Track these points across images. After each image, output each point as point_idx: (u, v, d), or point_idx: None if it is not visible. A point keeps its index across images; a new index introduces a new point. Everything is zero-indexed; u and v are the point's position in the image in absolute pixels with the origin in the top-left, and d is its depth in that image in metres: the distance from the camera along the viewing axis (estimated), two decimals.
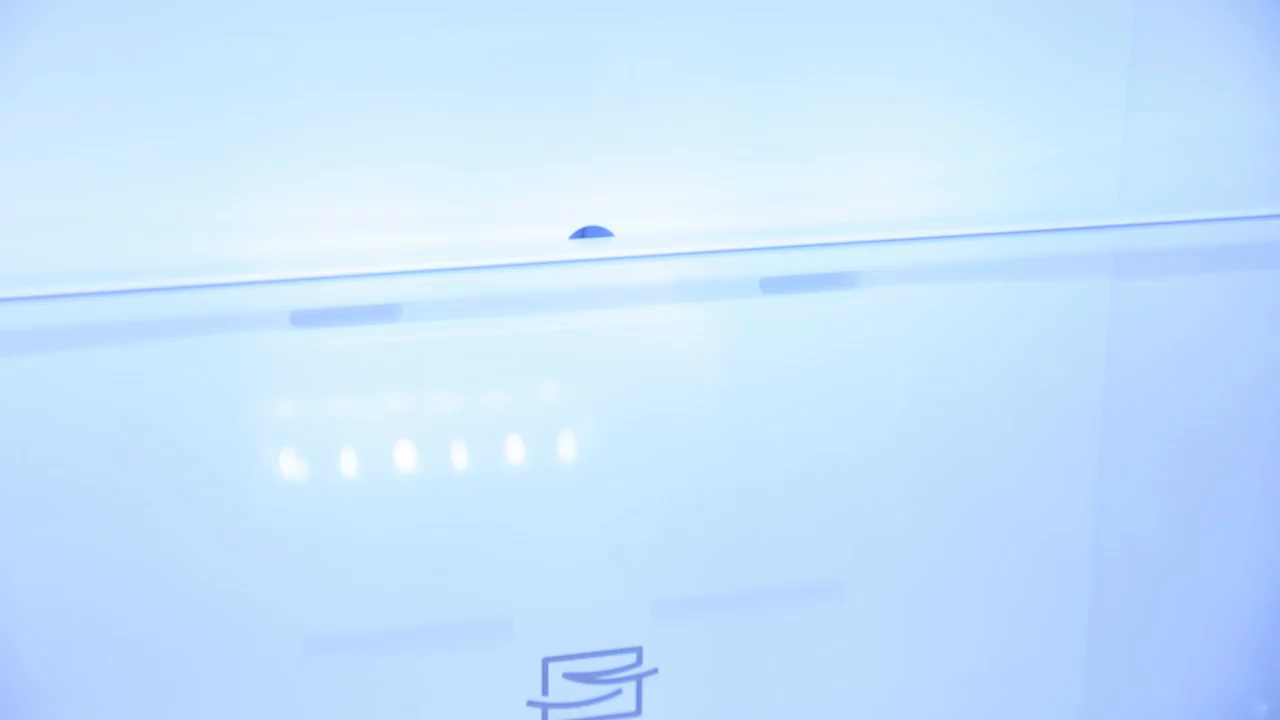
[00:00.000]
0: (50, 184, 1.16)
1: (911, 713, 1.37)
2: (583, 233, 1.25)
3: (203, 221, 1.18)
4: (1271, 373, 1.37)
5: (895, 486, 1.33)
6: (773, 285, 1.28)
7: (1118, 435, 1.36)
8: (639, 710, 1.32)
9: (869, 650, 1.36)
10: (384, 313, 1.21)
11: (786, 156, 1.28)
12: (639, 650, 1.31)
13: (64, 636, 1.20)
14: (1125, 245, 1.32)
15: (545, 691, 1.30)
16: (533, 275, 1.23)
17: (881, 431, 1.32)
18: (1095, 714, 1.37)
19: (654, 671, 1.31)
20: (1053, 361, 1.33)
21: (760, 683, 1.34)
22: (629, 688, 1.32)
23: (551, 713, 1.30)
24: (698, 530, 1.30)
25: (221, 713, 1.23)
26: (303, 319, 1.20)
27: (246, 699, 1.23)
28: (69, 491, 1.18)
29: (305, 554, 1.24)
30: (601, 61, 1.24)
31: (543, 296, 1.24)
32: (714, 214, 1.26)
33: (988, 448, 1.34)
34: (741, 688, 1.34)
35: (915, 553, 1.35)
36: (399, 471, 1.24)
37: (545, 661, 1.29)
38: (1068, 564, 1.37)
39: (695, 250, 1.24)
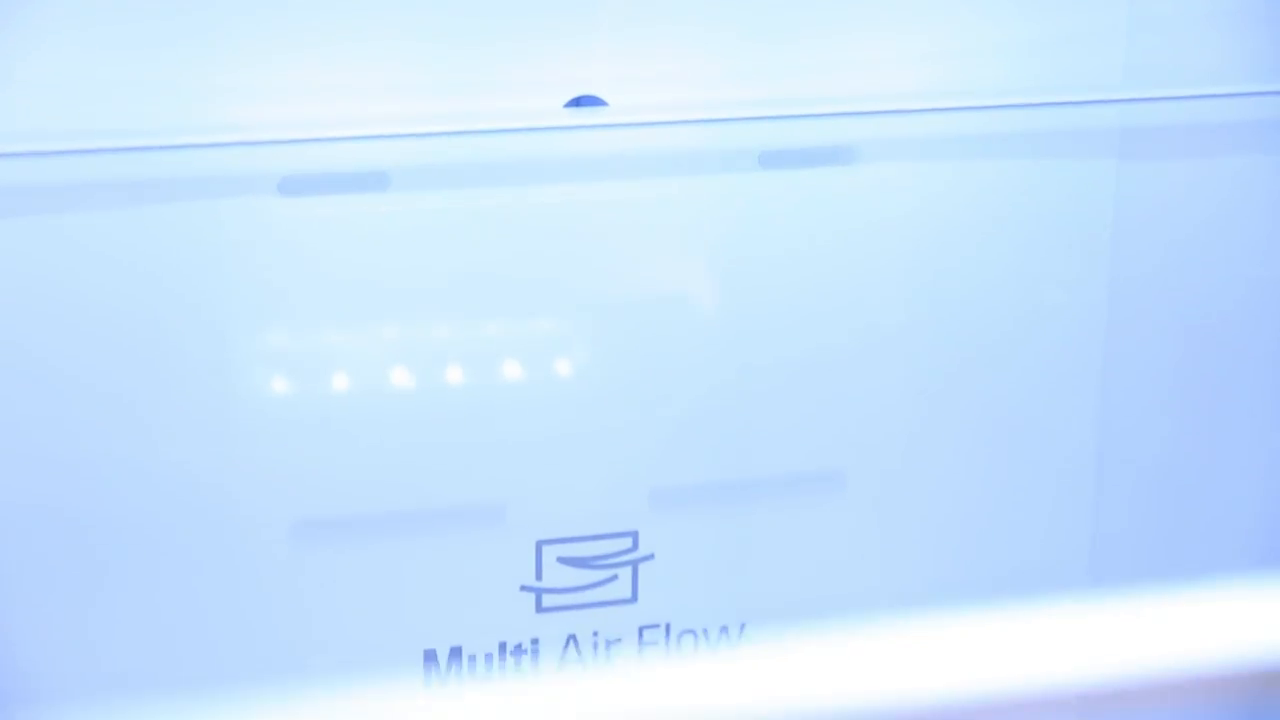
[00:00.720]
0: (32, 45, 1.13)
1: (909, 603, 1.35)
2: (577, 102, 1.22)
3: (190, 85, 1.15)
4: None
5: (894, 371, 1.30)
6: (771, 160, 1.26)
7: (1123, 318, 1.33)
8: (634, 597, 1.30)
9: (867, 540, 1.34)
10: (374, 180, 1.18)
11: (786, 29, 1.25)
12: (635, 535, 1.29)
13: (39, 523, 1.18)
14: (1131, 122, 1.30)
15: (539, 576, 1.28)
16: (525, 143, 1.20)
17: (880, 314, 1.29)
18: (1098, 600, 1.35)
19: (650, 558, 1.29)
20: (1057, 244, 1.31)
21: (757, 570, 1.32)
22: (624, 573, 1.29)
23: (545, 597, 1.28)
24: (694, 414, 1.28)
25: (208, 599, 1.20)
26: (291, 186, 1.17)
27: (234, 585, 1.20)
28: (39, 365, 1.16)
29: (292, 435, 1.21)
30: None
31: (535, 166, 1.21)
32: (711, 87, 1.23)
33: (989, 331, 1.31)
34: (738, 575, 1.32)
35: (915, 440, 1.33)
36: (390, 349, 1.22)
37: (539, 545, 1.27)
38: (1071, 451, 1.35)
39: (691, 119, 1.22)
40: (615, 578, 1.29)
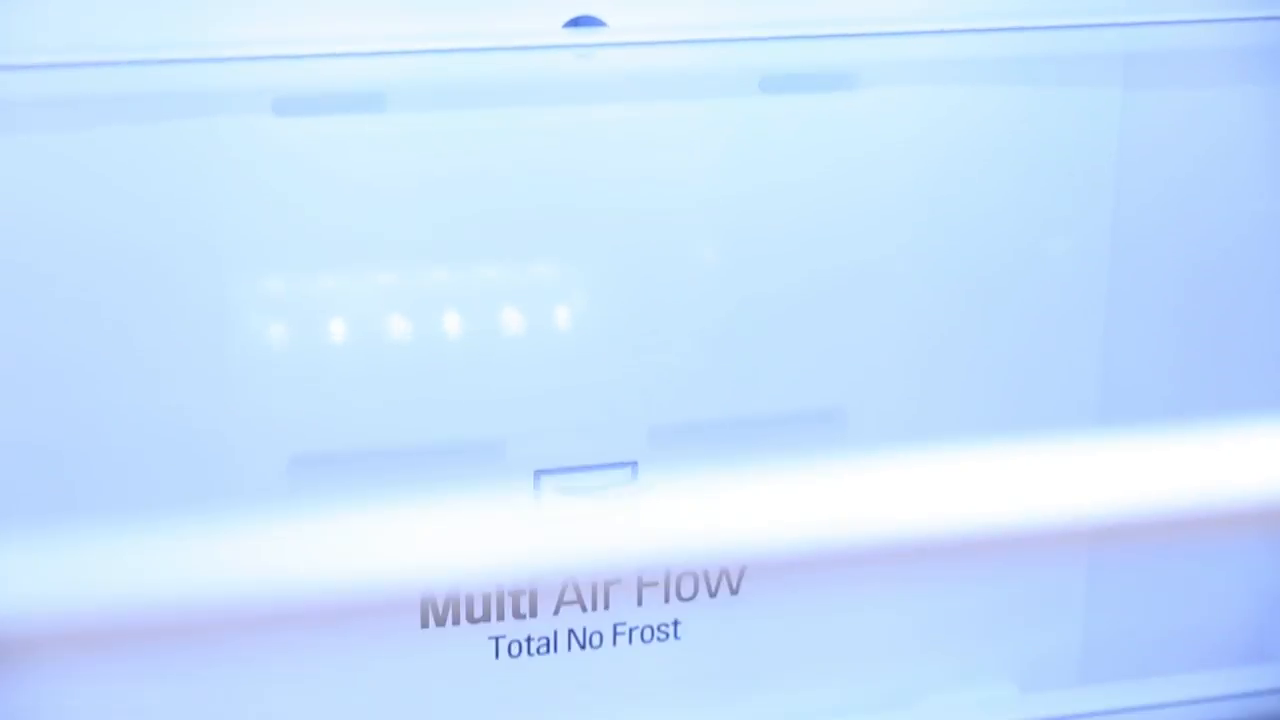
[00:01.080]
0: None
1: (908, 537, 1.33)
2: (575, 22, 1.20)
3: (183, 1, 1.12)
4: None
5: (896, 302, 1.28)
6: (772, 84, 1.23)
7: (1128, 249, 1.31)
8: None
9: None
10: (370, 101, 1.15)
11: None
12: (633, 465, 1.26)
13: (26, 457, 1.14)
14: (1136, 48, 1.28)
15: None
16: (522, 63, 1.17)
17: (882, 243, 1.27)
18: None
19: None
20: (1060, 171, 1.29)
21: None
22: None
23: None
24: (693, 343, 1.25)
25: (199, 528, 1.17)
26: (285, 106, 1.14)
27: (227, 514, 1.17)
28: (23, 285, 1.12)
29: (287, 363, 1.18)
30: None
31: (532, 87, 1.19)
32: (712, 8, 1.21)
33: (992, 260, 1.29)
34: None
35: (917, 376, 1.30)
36: (385, 275, 1.18)
37: (537, 474, 1.24)
38: (1075, 385, 1.33)
39: (691, 39, 1.19)
40: None
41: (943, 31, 1.22)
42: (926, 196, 1.27)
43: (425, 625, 1.24)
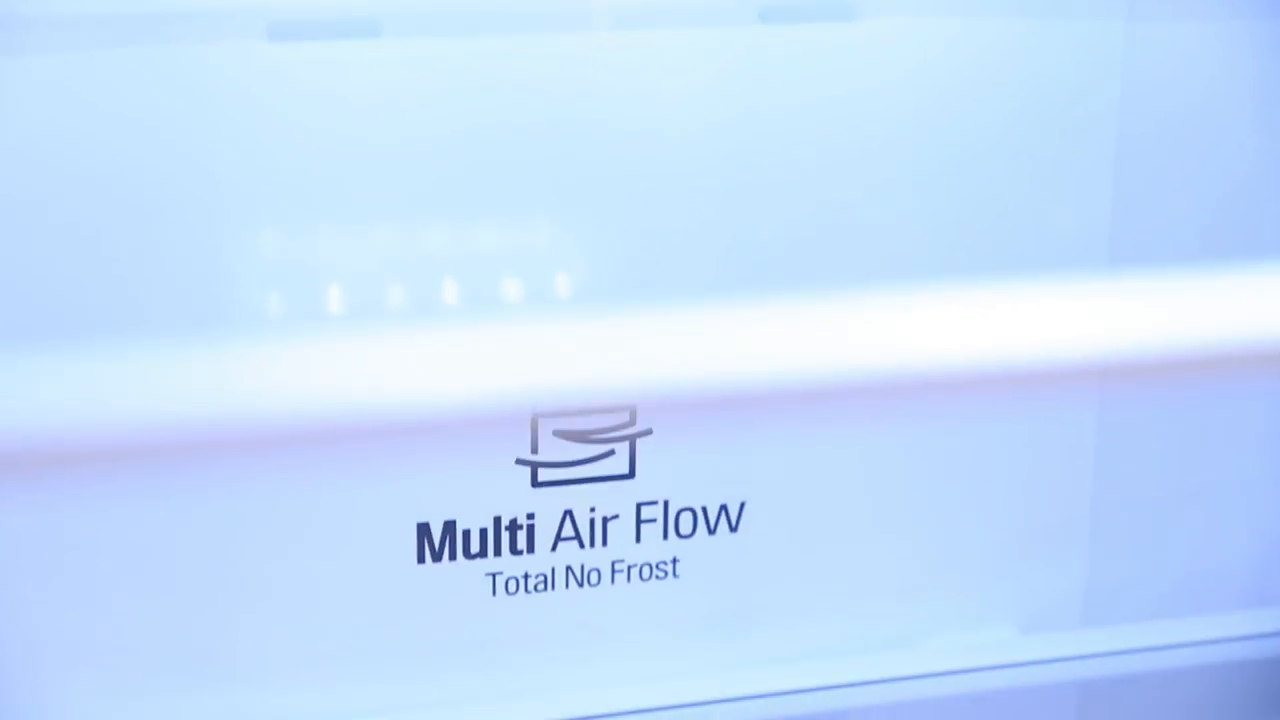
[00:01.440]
0: None
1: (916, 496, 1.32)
2: None
3: None
4: None
5: (895, 237, 1.27)
6: (771, 14, 1.22)
7: (1130, 188, 1.30)
8: (632, 473, 1.26)
9: (868, 441, 1.30)
10: (365, 27, 1.14)
11: None
12: (632, 410, 1.25)
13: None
14: None
15: (534, 450, 1.23)
16: None
17: (881, 176, 1.26)
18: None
19: (648, 433, 1.25)
20: (1062, 106, 1.27)
21: (757, 449, 1.28)
22: (622, 448, 1.25)
23: (541, 471, 1.24)
24: (693, 280, 1.24)
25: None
26: (280, 31, 1.13)
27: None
28: (9, 212, 1.11)
29: (282, 280, 1.17)
30: None
31: (530, 15, 1.17)
32: None
33: (994, 195, 1.28)
34: (738, 453, 1.28)
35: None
36: (378, 201, 1.17)
37: (534, 417, 1.23)
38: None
39: None
40: (613, 453, 1.25)
41: None
42: (927, 128, 1.26)
43: (421, 560, 1.23)
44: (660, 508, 1.26)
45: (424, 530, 1.22)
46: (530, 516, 1.24)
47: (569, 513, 1.25)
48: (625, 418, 1.24)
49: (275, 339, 0.55)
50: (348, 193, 1.16)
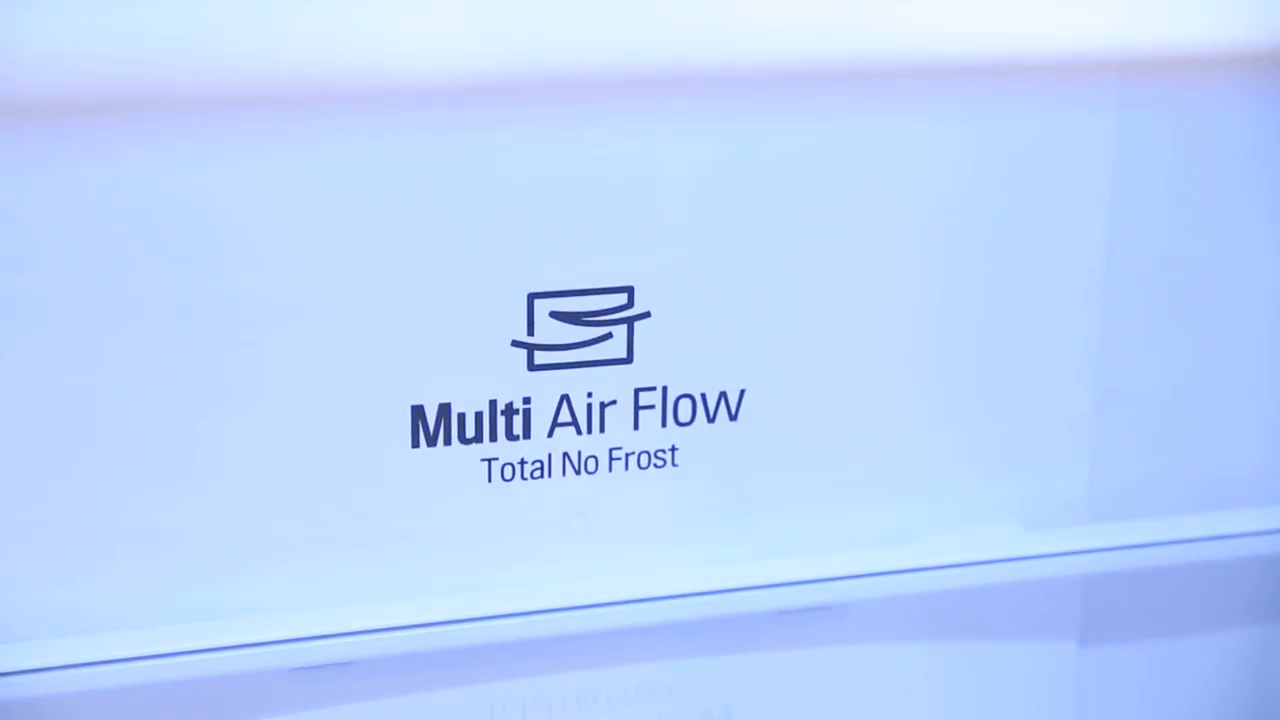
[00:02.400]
0: None
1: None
2: None
3: None
4: None
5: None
6: None
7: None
8: (630, 357, 1.23)
9: (870, 311, 1.28)
10: None
11: None
12: (630, 290, 1.22)
13: None
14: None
15: (530, 332, 1.21)
16: None
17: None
18: None
19: (646, 315, 1.23)
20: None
21: (756, 334, 1.26)
22: (619, 330, 1.23)
23: (537, 354, 1.21)
24: (693, 156, 1.21)
25: None
26: None
27: None
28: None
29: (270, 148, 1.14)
30: None
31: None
32: None
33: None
34: (737, 339, 1.25)
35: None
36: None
37: (530, 298, 1.20)
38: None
39: None
40: (610, 336, 1.22)
41: None
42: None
43: (415, 445, 1.20)
44: (659, 394, 1.24)
45: (419, 412, 1.19)
46: (526, 400, 1.21)
47: (565, 397, 1.22)
48: (623, 299, 1.21)
49: None
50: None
